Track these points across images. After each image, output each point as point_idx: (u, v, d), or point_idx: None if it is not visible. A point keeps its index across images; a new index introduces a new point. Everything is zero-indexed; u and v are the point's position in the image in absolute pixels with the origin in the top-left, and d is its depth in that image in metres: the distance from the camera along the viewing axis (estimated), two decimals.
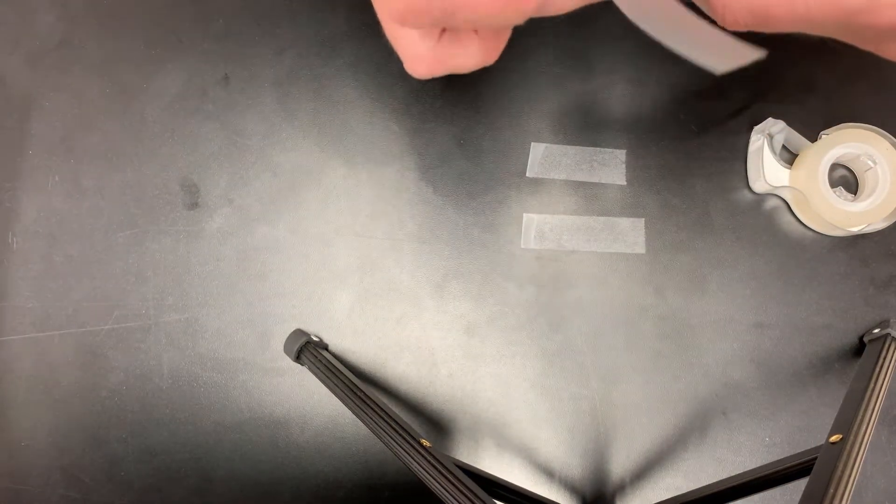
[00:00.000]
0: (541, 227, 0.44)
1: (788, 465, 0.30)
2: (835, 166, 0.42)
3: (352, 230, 0.44)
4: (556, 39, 0.45)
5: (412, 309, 0.43)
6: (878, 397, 0.32)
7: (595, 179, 0.44)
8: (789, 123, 0.41)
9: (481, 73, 0.45)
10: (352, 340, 0.43)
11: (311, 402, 0.43)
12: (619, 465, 0.41)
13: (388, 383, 0.43)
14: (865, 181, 0.42)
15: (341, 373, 0.38)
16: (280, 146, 0.45)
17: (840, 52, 0.44)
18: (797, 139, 0.42)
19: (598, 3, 0.22)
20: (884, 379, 0.34)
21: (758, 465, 0.32)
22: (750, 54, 0.20)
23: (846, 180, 0.43)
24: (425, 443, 0.32)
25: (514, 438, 0.42)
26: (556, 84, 0.45)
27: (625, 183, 0.44)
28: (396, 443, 0.32)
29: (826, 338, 0.42)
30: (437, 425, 0.42)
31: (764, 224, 0.43)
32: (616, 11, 0.21)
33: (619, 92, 0.44)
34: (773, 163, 0.41)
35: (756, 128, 0.43)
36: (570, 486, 0.41)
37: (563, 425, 0.42)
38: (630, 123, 0.44)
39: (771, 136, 0.41)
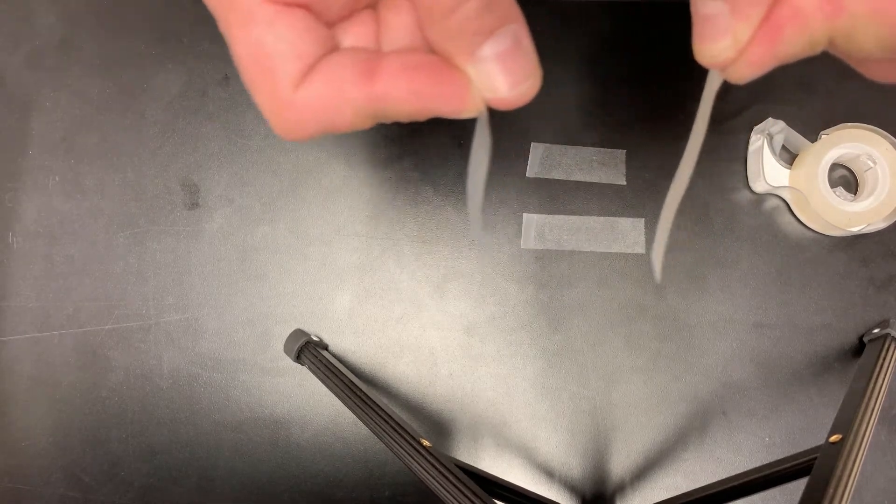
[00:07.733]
0: (541, 227, 0.44)
1: (788, 465, 0.30)
2: (835, 166, 0.42)
3: (352, 230, 0.44)
4: (556, 41, 0.45)
5: (412, 309, 0.43)
6: (877, 397, 0.32)
7: (595, 179, 0.44)
8: (789, 123, 0.41)
9: None
10: (352, 340, 0.43)
11: (311, 402, 0.43)
12: (619, 464, 0.41)
13: (388, 383, 0.43)
14: (865, 181, 0.42)
15: (341, 373, 0.38)
16: (280, 146, 0.45)
17: None
18: (797, 139, 0.42)
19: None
20: (884, 379, 0.34)
21: (758, 465, 0.32)
22: None
23: (846, 180, 0.43)
24: (425, 443, 0.32)
25: (514, 438, 0.42)
26: (555, 84, 0.45)
27: (625, 183, 0.44)
28: (396, 443, 0.32)
29: (826, 338, 0.42)
30: (437, 425, 0.42)
31: (764, 224, 0.43)
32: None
33: (619, 92, 0.44)
34: (772, 163, 0.41)
35: (756, 128, 0.43)
36: (569, 486, 0.41)
37: (563, 425, 0.42)
38: (630, 123, 0.44)
39: (771, 136, 0.41)
